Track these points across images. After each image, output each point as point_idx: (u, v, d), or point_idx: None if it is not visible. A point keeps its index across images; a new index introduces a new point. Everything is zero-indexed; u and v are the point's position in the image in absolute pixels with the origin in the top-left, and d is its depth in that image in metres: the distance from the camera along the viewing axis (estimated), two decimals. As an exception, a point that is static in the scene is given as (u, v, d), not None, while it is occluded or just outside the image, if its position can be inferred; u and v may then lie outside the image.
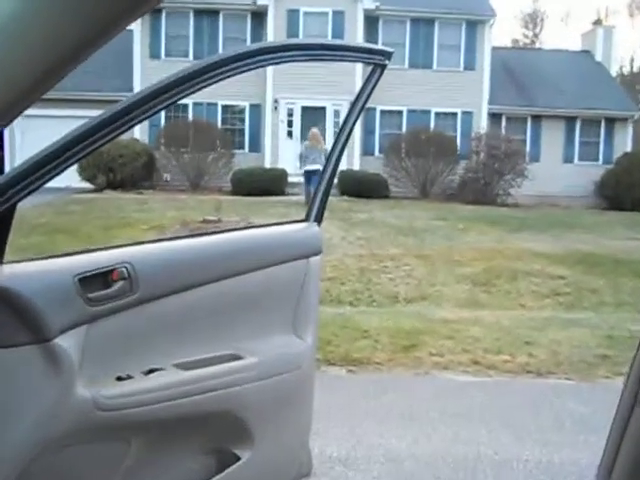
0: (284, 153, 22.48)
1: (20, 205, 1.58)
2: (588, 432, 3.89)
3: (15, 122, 1.16)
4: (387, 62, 2.21)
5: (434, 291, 8.24)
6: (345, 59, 2.26)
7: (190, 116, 22.56)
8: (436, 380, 5.06)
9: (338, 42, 2.30)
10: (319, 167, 15.20)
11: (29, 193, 1.54)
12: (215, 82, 1.83)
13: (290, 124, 22.96)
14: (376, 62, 2.21)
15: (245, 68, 1.88)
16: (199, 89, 1.79)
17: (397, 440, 3.81)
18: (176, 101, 1.76)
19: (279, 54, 1.97)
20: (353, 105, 2.31)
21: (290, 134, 22.88)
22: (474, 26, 23.53)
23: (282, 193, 19.86)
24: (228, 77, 1.84)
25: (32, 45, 0.96)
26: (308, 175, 15.69)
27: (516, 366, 5.34)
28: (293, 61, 2.06)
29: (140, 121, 1.70)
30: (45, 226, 11.02)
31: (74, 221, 12.03)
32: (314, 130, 16.28)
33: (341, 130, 2.33)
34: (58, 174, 1.59)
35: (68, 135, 1.60)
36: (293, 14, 22.31)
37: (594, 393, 4.72)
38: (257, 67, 1.93)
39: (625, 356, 5.32)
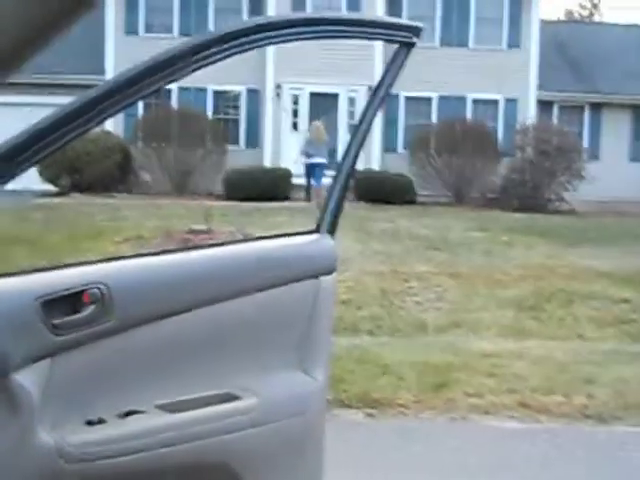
0: (288, 149, 22.50)
1: None
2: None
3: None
4: (415, 40, 2.22)
5: (471, 318, 8.21)
6: (363, 36, 2.26)
7: (175, 104, 22.67)
8: (474, 427, 5.04)
9: (355, 16, 2.32)
10: (323, 160, 17.86)
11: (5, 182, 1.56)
12: (205, 65, 1.84)
13: (295, 114, 23.02)
14: (402, 40, 2.21)
15: (242, 48, 1.89)
16: (186, 74, 1.80)
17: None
18: (159, 88, 1.77)
19: (283, 31, 1.98)
20: (375, 92, 2.31)
21: (295, 126, 22.95)
22: (519, -5, 23.58)
23: (286, 198, 19.90)
24: (221, 60, 1.85)
25: None
26: (310, 168, 18.01)
27: (573, 409, 5.31)
28: (300, 39, 2.06)
29: (115, 113, 1.71)
30: (2, 237, 11.07)
31: (35, 231, 12.08)
32: (317, 123, 18.26)
33: (360, 122, 2.34)
34: (16, 176, 1.60)
35: (28, 130, 1.61)
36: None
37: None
38: (256, 47, 1.94)
39: None
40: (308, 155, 18.44)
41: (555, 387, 5.73)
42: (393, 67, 2.25)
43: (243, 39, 1.87)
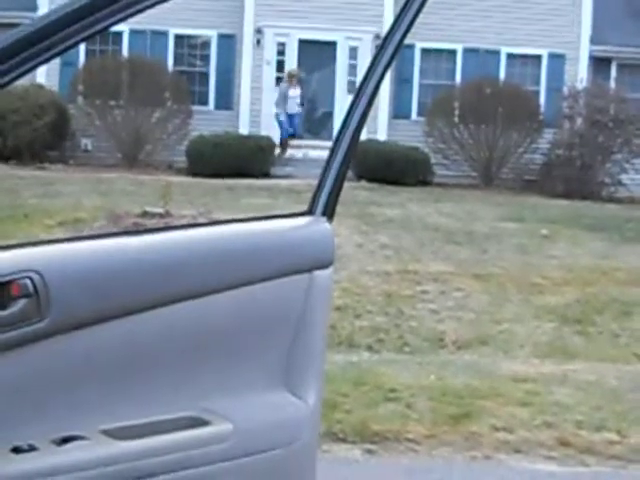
0: (270, 112, 22.51)
1: None
2: None
3: None
4: None
5: (500, 331, 8.26)
6: None
7: (125, 51, 22.63)
8: (502, 469, 5.07)
9: None
10: (294, 111, 22.15)
11: None
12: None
13: (280, 67, 23.03)
14: None
15: None
16: (142, 9, 1.79)
17: None
18: (104, 29, 1.76)
19: None
20: (385, 41, 2.31)
21: (280, 82, 22.94)
22: None
23: (266, 174, 19.93)
24: None
25: None
26: (285, 118, 22.20)
27: (628, 450, 5.35)
28: None
29: (49, 59, 1.72)
30: None
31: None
32: (295, 70, 22.21)
33: (364, 80, 2.35)
34: None
35: None
36: None
37: None
38: None
39: None
40: (278, 105, 21.98)
41: (605, 421, 5.76)
42: (412, 6, 2.26)
43: None
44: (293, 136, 22.13)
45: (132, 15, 1.77)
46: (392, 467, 5.01)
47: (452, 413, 5.73)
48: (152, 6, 1.80)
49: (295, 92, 22.00)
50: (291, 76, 22.03)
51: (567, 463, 5.19)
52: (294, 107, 22.16)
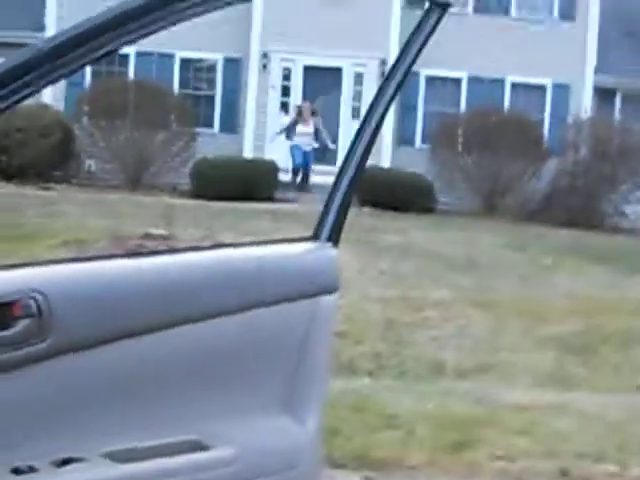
0: (276, 136, 22.53)
1: None
2: None
3: None
4: (451, 1, 2.24)
5: (501, 360, 8.23)
6: None
7: (131, 72, 22.68)
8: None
9: None
10: (311, 147, 21.67)
11: None
12: (174, 23, 1.83)
13: (286, 92, 23.07)
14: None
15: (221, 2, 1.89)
16: (150, 33, 1.79)
17: None
18: (112, 51, 1.77)
19: None
20: (393, 68, 2.32)
21: (285, 107, 23.03)
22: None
23: (270, 198, 19.93)
24: (193, 17, 1.85)
25: None
26: (295, 152, 21.77)
27: (629, 482, 5.34)
28: None
29: (53, 81, 1.72)
30: None
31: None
32: (304, 105, 21.51)
33: (371, 108, 2.35)
34: None
35: None
36: None
37: None
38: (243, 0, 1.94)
39: None
40: (287, 136, 21.86)
41: (607, 452, 5.74)
42: (420, 33, 2.26)
43: None
44: (305, 169, 21.77)
45: (133, 42, 1.77)
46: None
47: (452, 441, 5.71)
48: (154, 32, 1.81)
49: (307, 128, 21.55)
50: (300, 112, 21.70)
51: (567, 494, 5.18)
52: (306, 143, 21.70)
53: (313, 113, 21.65)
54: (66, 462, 1.87)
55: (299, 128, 21.50)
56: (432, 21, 2.24)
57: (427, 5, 2.24)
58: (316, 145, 21.68)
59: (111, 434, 1.95)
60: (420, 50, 2.26)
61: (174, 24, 1.83)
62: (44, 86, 1.70)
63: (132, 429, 1.98)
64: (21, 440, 1.83)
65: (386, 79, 2.32)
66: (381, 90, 2.32)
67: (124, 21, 1.73)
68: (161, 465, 1.97)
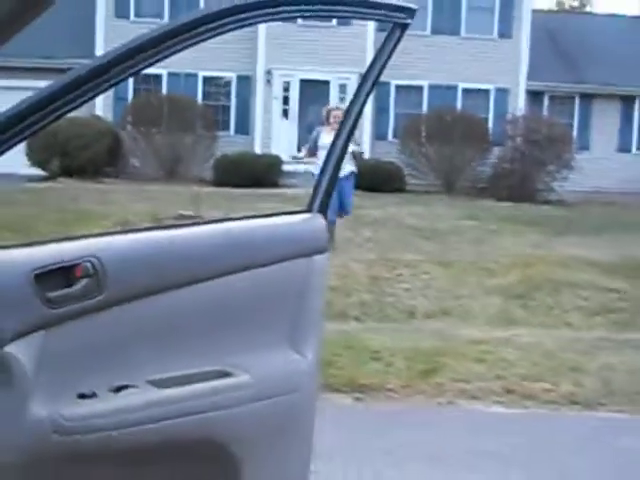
0: (278, 136, 22.50)
1: None
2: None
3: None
4: (409, 21, 2.21)
5: (460, 305, 8.24)
6: (359, 16, 2.26)
7: (164, 89, 22.59)
8: (462, 411, 5.07)
9: None
10: (352, 169, 10.63)
11: None
12: (197, 43, 1.82)
13: (286, 101, 22.98)
14: (396, 20, 2.21)
15: (234, 25, 1.88)
16: (176, 52, 1.79)
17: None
18: (148, 66, 1.76)
19: (277, 9, 1.96)
20: (366, 74, 2.30)
21: (286, 113, 22.93)
22: (511, -16, 23.56)
23: (275, 184, 19.91)
24: (213, 37, 1.84)
25: None
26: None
27: (559, 396, 5.35)
28: (294, 17, 2.05)
29: (103, 90, 1.71)
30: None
31: (23, 216, 12.03)
32: (333, 110, 10.55)
33: (351, 104, 2.34)
34: (8, 149, 1.61)
35: (18, 105, 1.61)
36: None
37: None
38: (250, 24, 1.92)
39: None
40: (316, 147, 10.47)
41: (542, 374, 5.76)
42: (386, 48, 2.24)
43: (238, 16, 1.86)
44: (342, 205, 10.44)
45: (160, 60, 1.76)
46: (376, 411, 5.02)
47: (422, 369, 5.72)
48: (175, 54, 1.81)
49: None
50: (328, 118, 10.63)
51: (512, 406, 5.19)
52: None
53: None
54: (120, 389, 1.87)
55: (327, 139, 9.56)
56: (396, 37, 2.23)
57: (390, 26, 2.22)
58: (353, 168, 10.72)
59: (154, 366, 1.95)
60: (386, 62, 2.25)
61: (196, 44, 1.83)
62: (98, 93, 1.70)
63: (170, 362, 1.98)
64: (85, 372, 1.83)
65: (362, 82, 2.31)
66: (358, 90, 2.31)
67: (156, 42, 1.73)
68: (193, 389, 1.97)
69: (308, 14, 2.08)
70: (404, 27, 2.21)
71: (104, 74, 1.69)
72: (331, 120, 10.13)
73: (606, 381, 5.66)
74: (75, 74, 1.67)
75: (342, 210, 10.49)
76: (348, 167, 10.08)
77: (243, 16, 1.89)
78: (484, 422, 4.89)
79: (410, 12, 2.21)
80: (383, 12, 2.21)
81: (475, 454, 4.28)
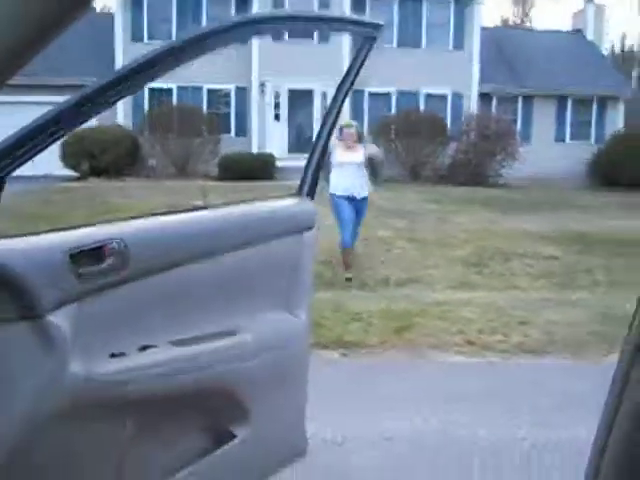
0: (272, 137, 22.46)
1: (6, 194, 1.58)
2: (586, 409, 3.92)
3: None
4: (377, 35, 2.20)
5: (426, 274, 8.26)
6: (333, 30, 2.26)
7: (175, 100, 22.48)
8: (430, 362, 5.09)
9: (326, 13, 2.28)
10: (364, 194, 7.75)
11: (17, 166, 1.55)
12: (201, 54, 1.81)
13: (277, 107, 22.92)
14: (366, 34, 2.20)
15: (232, 39, 1.87)
16: (185, 62, 1.77)
17: (392, 421, 3.84)
18: (162, 74, 1.74)
19: (267, 25, 1.96)
20: (343, 80, 2.29)
21: (277, 117, 22.88)
22: (463, 5, 23.49)
23: (271, 178, 19.86)
24: (214, 49, 1.82)
25: None
26: (338, 202, 7.66)
27: (511, 346, 5.38)
28: (281, 30, 2.04)
29: (124, 96, 1.69)
30: (30, 215, 10.95)
31: (58, 210, 11.98)
32: (347, 129, 7.60)
33: (333, 101, 2.32)
34: (43, 149, 1.59)
35: (52, 111, 1.60)
36: (278, -5, 22.17)
37: (588, 371, 4.76)
38: (246, 38, 1.91)
39: (619, 334, 5.37)
40: (332, 167, 7.54)
41: (496, 328, 5.79)
42: (358, 58, 2.24)
43: (235, 30, 1.84)
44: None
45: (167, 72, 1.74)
46: (359, 364, 5.03)
47: (396, 327, 5.74)
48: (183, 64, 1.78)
49: (352, 155, 7.56)
50: (341, 130, 7.54)
51: (472, 356, 5.20)
52: (354, 181, 7.58)
53: (360, 138, 7.71)
54: (144, 348, 1.87)
55: (341, 156, 7.49)
56: (366, 48, 2.21)
57: (361, 40, 2.21)
58: (371, 188, 7.85)
59: (172, 329, 1.94)
60: (359, 70, 2.24)
61: (200, 56, 1.81)
62: (121, 98, 1.69)
63: (185, 325, 1.97)
64: (115, 335, 1.83)
65: (337, 89, 2.30)
66: (335, 97, 2.30)
67: (166, 55, 1.71)
68: (206, 347, 1.97)
69: (292, 28, 2.07)
70: (373, 40, 2.21)
71: (119, 85, 1.67)
72: (344, 137, 7.59)
73: (550, 333, 5.69)
74: (86, 91, 1.64)
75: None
76: (364, 190, 7.72)
77: (248, 29, 1.88)
78: (449, 369, 4.92)
79: (378, 27, 2.21)
80: (356, 27, 2.21)
81: (442, 396, 4.30)
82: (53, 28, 0.93)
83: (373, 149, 8.15)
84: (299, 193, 2.32)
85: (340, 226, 7.74)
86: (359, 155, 7.69)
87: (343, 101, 2.30)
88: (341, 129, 7.64)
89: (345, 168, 7.58)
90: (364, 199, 7.80)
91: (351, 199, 7.68)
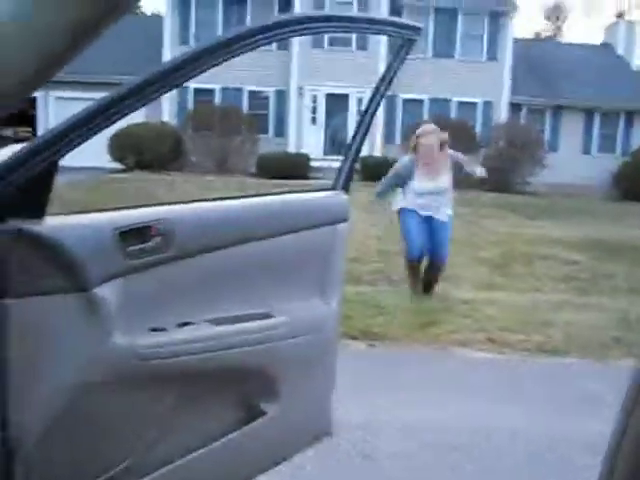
0: (308, 138, 22.52)
1: (56, 184, 1.61)
2: (599, 406, 3.88)
3: (50, 105, 1.17)
4: (416, 37, 2.18)
5: (454, 273, 8.20)
6: (374, 32, 2.22)
7: (217, 100, 22.64)
8: (453, 356, 5.07)
9: (366, 15, 2.25)
10: (447, 214, 6.41)
11: (69, 150, 1.57)
12: (241, 53, 1.79)
13: (314, 110, 22.95)
14: (404, 36, 2.18)
15: (273, 39, 1.86)
16: (223, 60, 1.77)
17: (411, 409, 3.84)
18: (204, 70, 1.74)
19: (307, 25, 1.94)
20: (380, 81, 2.28)
21: (314, 120, 22.91)
22: (496, 17, 23.27)
23: (305, 177, 19.92)
24: (254, 48, 1.82)
25: (35, 30, 0.96)
26: (408, 218, 6.33)
27: (531, 345, 5.34)
28: (320, 32, 2.03)
29: (170, 89, 1.71)
30: (79, 201, 11.12)
31: (106, 198, 12.14)
32: (425, 139, 6.42)
33: (369, 104, 2.31)
34: (94, 134, 1.61)
35: (103, 99, 1.62)
36: (319, 0, 22.19)
37: (606, 372, 4.71)
38: (285, 38, 1.90)
39: (638, 338, 5.29)
40: (400, 183, 6.49)
41: (517, 328, 5.74)
42: (396, 60, 2.22)
43: (276, 31, 1.83)
44: (436, 255, 6.41)
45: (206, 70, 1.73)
46: (385, 355, 5.03)
47: (421, 322, 5.72)
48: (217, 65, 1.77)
49: (433, 179, 6.10)
50: (415, 147, 6.25)
51: (493, 353, 5.18)
52: (434, 205, 6.12)
53: (442, 146, 6.33)
54: (183, 325, 1.89)
55: (421, 182, 6.06)
56: (404, 51, 2.19)
57: (400, 41, 2.19)
58: (450, 212, 6.28)
59: (211, 308, 1.96)
60: (395, 72, 2.21)
61: (240, 54, 1.80)
62: (167, 91, 1.69)
63: (225, 305, 1.99)
64: (156, 311, 1.85)
65: (376, 87, 2.27)
66: (372, 98, 2.28)
67: (208, 52, 1.72)
68: (243, 327, 1.98)
69: (338, 29, 2.05)
70: (411, 42, 2.18)
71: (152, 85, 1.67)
72: (426, 156, 5.93)
73: (569, 334, 5.63)
74: (125, 88, 1.65)
75: (435, 259, 6.51)
76: (446, 210, 6.32)
77: (287, 29, 1.86)
78: (471, 364, 4.89)
79: (416, 30, 2.18)
80: (395, 29, 2.18)
81: (463, 389, 4.29)
82: (89, 33, 0.95)
83: (476, 168, 6.64)
84: (334, 187, 2.33)
85: (406, 237, 6.36)
86: (444, 180, 6.03)
87: (380, 101, 2.29)
88: (415, 140, 6.03)
89: (425, 197, 6.07)
90: (444, 221, 6.32)
91: (426, 217, 6.26)
